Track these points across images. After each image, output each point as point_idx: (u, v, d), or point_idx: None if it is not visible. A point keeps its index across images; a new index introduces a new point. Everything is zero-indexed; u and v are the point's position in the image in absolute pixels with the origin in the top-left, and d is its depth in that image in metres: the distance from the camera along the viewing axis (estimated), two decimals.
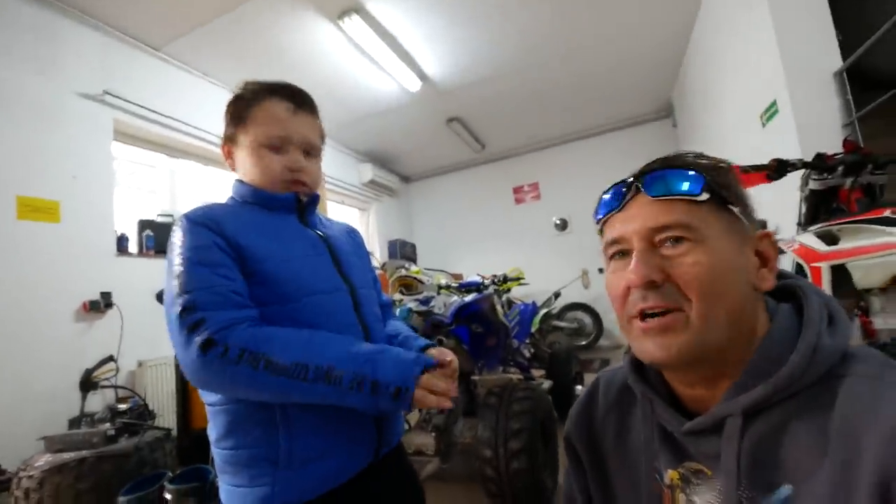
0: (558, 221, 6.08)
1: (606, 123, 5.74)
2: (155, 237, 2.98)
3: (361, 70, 3.81)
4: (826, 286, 1.35)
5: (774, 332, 0.43)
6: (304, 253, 0.76)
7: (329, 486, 0.68)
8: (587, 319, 5.77)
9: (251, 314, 0.66)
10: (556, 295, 5.01)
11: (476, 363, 2.08)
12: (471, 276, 3.14)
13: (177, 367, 2.14)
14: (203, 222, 0.70)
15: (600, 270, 6.10)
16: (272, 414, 0.66)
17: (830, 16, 2.18)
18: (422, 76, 4.01)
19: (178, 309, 0.62)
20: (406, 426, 2.39)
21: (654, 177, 0.46)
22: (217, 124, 3.34)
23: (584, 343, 5.66)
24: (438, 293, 2.71)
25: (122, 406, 2.05)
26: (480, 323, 1.99)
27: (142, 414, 2.00)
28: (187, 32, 3.09)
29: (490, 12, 3.25)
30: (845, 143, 1.39)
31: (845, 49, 2.14)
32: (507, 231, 6.42)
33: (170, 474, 1.74)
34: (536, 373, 2.93)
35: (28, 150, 2.41)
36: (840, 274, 1.30)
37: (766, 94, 2.44)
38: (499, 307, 2.19)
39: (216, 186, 3.86)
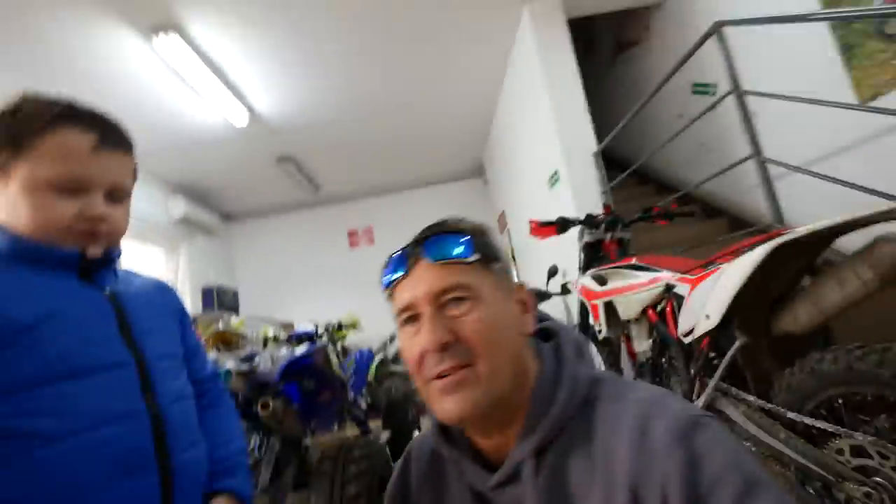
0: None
1: (431, 176, 6.29)
2: None
3: (178, 96, 3.35)
4: (602, 318, 1.71)
5: (545, 373, 0.49)
6: (75, 318, 0.58)
7: None
8: None
9: None
10: (392, 339, 5.03)
11: (308, 424, 1.90)
12: (303, 325, 2.93)
13: None
14: None
15: None
16: None
17: (587, 109, 2.92)
18: (251, 111, 3.75)
19: None
20: None
21: (432, 242, 0.50)
22: None
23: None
24: (265, 347, 2.43)
25: None
26: (313, 378, 1.85)
27: None
28: None
29: (325, 61, 3.30)
30: (605, 207, 1.83)
31: (601, 135, 2.86)
32: (341, 276, 6.25)
33: None
34: (373, 423, 2.83)
35: None
36: (610, 309, 1.67)
37: (551, 164, 3.07)
38: (333, 358, 2.08)
39: None
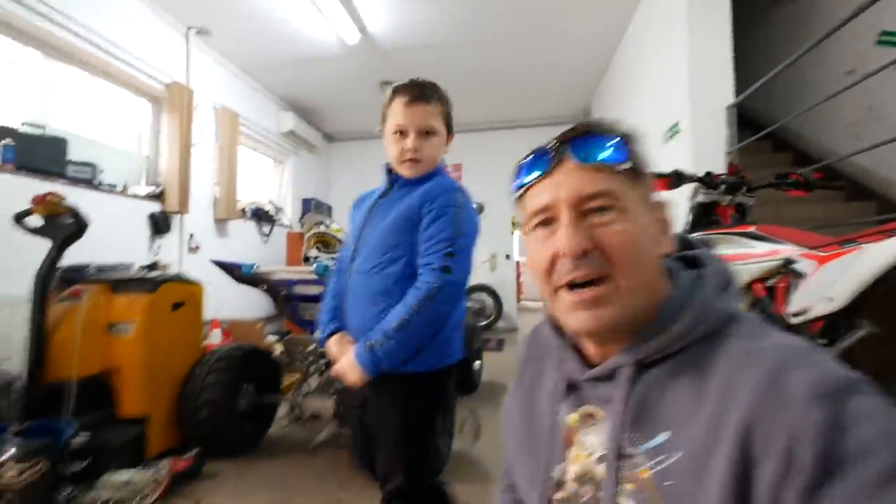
0: (475, 205, 6.24)
1: (530, 118, 6.00)
2: (16, 149, 2.45)
3: (297, 9, 3.48)
4: None
5: (675, 296, 0.46)
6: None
7: None
8: (489, 301, 6.10)
9: None
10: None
11: None
12: None
13: (33, 307, 1.78)
14: None
15: (507, 257, 6.46)
16: None
17: (732, 57, 2.52)
18: (362, 29, 3.79)
19: None
20: (307, 388, 2.33)
21: (582, 142, 0.46)
22: (116, 31, 2.80)
23: (484, 323, 5.98)
24: None
25: None
26: None
27: None
28: None
29: None
30: (730, 166, 1.63)
31: (738, 90, 2.49)
32: None
33: (12, 428, 1.50)
34: None
35: None
36: None
37: (671, 116, 2.75)
38: None
39: (102, 102, 3.28)
